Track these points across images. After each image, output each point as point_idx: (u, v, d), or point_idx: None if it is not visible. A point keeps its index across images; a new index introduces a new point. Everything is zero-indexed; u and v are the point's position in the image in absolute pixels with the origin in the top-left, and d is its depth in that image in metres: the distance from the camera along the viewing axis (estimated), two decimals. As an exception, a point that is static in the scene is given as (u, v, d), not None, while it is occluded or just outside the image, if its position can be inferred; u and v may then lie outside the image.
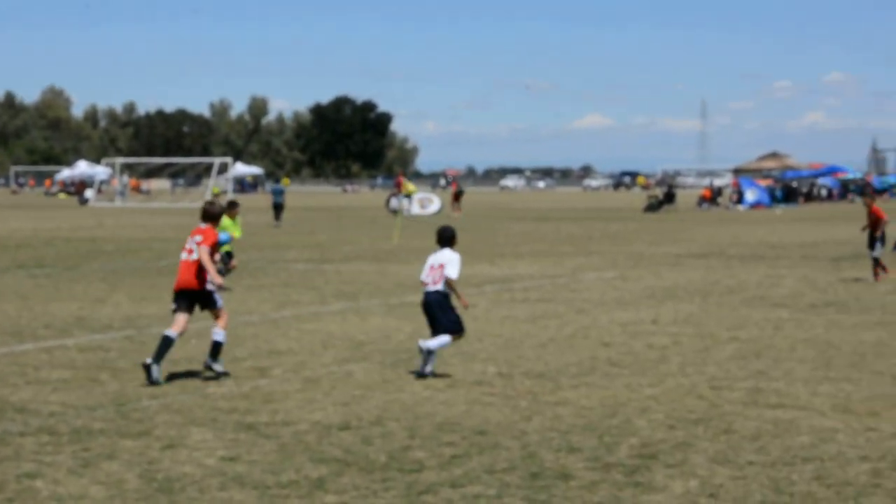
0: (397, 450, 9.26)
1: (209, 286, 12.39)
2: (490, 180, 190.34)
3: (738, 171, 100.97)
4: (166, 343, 12.16)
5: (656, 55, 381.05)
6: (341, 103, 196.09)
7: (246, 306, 19.13)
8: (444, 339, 12.48)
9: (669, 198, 69.93)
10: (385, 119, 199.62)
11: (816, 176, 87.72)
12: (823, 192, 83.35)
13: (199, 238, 12.43)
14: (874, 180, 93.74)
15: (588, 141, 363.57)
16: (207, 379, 12.34)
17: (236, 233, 23.08)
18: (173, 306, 12.47)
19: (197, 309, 12.54)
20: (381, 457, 9.03)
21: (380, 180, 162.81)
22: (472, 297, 20.55)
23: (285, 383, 12.22)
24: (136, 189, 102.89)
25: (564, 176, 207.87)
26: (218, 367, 12.45)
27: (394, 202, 59.21)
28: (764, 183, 79.20)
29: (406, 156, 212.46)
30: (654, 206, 67.19)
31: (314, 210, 69.30)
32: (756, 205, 70.59)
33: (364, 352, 14.35)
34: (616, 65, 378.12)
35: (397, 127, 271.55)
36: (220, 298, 12.58)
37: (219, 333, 12.38)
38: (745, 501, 7.81)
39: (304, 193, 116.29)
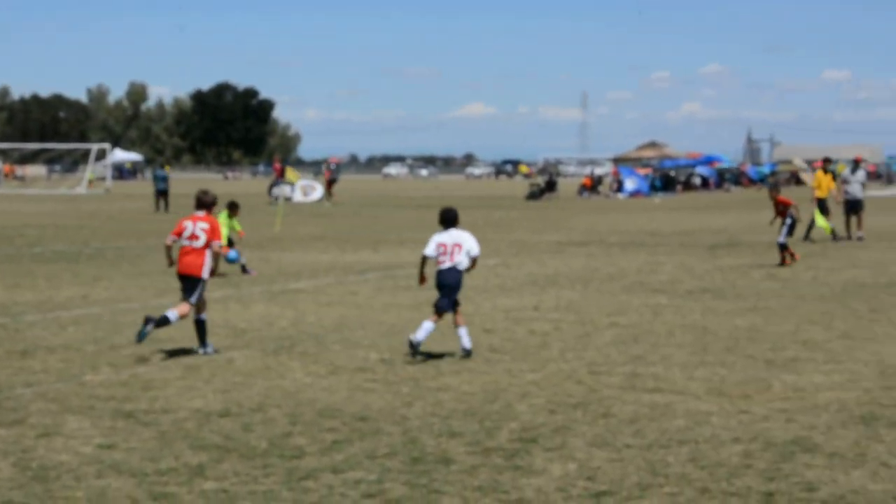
0: (278, 436, 9.22)
1: (204, 275, 13.08)
2: (373, 168, 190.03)
3: (617, 160, 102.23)
4: (164, 321, 12.82)
5: (538, 45, 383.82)
6: (222, 90, 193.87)
7: (126, 294, 18.84)
8: (429, 326, 12.92)
9: (551, 186, 70.56)
10: (267, 106, 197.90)
11: (694, 165, 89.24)
12: (699, 181, 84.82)
13: (205, 226, 13.11)
14: (749, 170, 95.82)
15: (471, 129, 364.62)
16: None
17: (237, 227, 23.18)
18: (182, 286, 13.14)
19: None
20: (261, 443, 8.98)
21: (261, 167, 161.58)
22: (355, 285, 20.55)
23: (165, 371, 12.08)
24: (11, 175, 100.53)
25: (447, 164, 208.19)
26: (147, 329, 12.67)
27: (276, 190, 58.73)
28: (643, 172, 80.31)
29: (288, 143, 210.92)
30: (535, 195, 67.76)
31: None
32: (635, 193, 71.59)
33: (245, 339, 14.25)
34: (499, 54, 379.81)
35: (279, 114, 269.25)
36: (204, 291, 13.15)
37: (172, 314, 12.89)
38: (621, 483, 7.94)
39: (185, 180, 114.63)
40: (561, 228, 38.15)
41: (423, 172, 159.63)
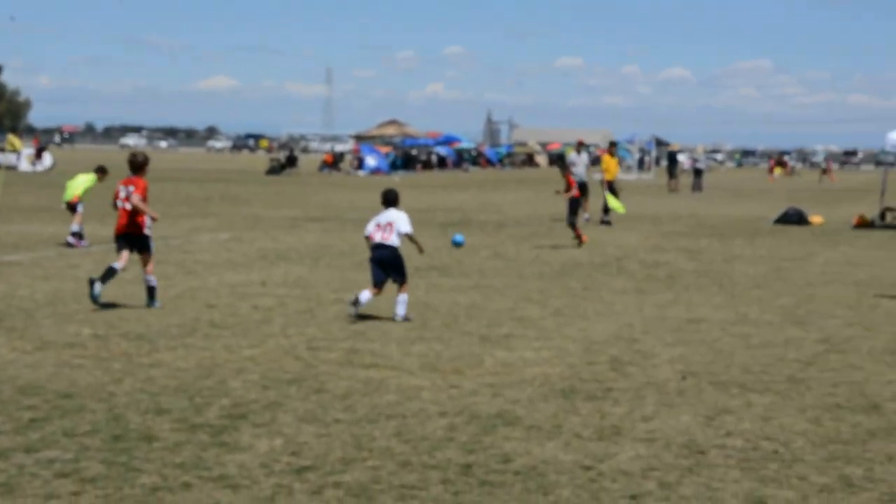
0: (-25, 414, 8.88)
1: (147, 231, 14.48)
2: (111, 139, 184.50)
3: (359, 138, 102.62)
4: (111, 272, 14.37)
5: (285, 19, 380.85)
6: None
7: None
8: (405, 298, 14.09)
9: (291, 161, 70.29)
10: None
11: (434, 145, 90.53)
12: (435, 160, 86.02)
13: (131, 188, 14.38)
14: (487, 151, 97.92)
15: (214, 102, 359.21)
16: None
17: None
18: (116, 246, 14.63)
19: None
20: (-44, 422, 8.63)
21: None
22: (77, 258, 19.95)
23: None
24: None
25: (189, 137, 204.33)
26: (157, 304, 14.44)
27: None
28: (384, 150, 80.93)
29: (18, 109, 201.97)
30: (276, 170, 67.37)
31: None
32: (376, 171, 72.04)
33: (-48, 313, 13.64)
34: (244, 27, 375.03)
35: (7, 79, 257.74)
36: (153, 244, 14.71)
37: (150, 279, 14.44)
38: (325, 458, 8.01)
39: None
40: (298, 204, 38.05)
41: (163, 144, 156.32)
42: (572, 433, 8.80)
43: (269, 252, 21.92)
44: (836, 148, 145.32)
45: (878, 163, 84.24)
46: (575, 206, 24.59)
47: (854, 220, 32.58)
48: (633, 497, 7.29)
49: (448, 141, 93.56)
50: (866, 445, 8.59)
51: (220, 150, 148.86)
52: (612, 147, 34.67)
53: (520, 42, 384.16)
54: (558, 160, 27.18)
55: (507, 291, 16.87)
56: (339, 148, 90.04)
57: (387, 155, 78.10)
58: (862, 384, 10.76)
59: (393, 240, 14.19)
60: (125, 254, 14.52)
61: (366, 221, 14.88)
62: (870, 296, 16.99)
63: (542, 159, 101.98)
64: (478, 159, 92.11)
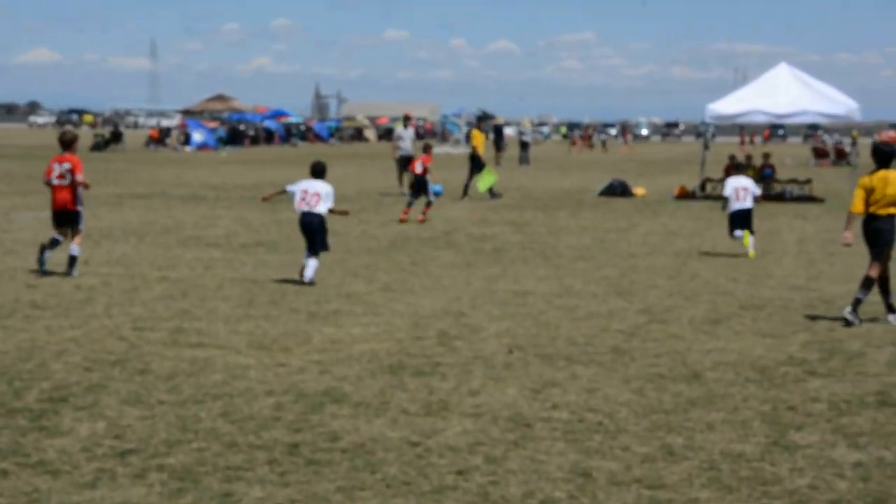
0: None
1: (79, 207, 15.49)
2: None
3: (186, 113, 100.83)
4: (54, 243, 15.47)
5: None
6: None
7: None
8: (315, 262, 15.15)
9: (116, 137, 68.69)
10: None
11: (262, 120, 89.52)
12: (264, 135, 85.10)
13: (68, 166, 15.33)
14: (316, 125, 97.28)
15: (35, 76, 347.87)
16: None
17: None
18: (53, 223, 15.66)
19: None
20: None
21: None
22: None
23: None
24: None
25: (9, 112, 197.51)
26: (75, 272, 15.32)
27: None
28: (211, 125, 79.69)
29: None
30: (100, 146, 65.72)
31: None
32: (203, 146, 70.93)
33: None
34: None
35: None
36: (83, 221, 15.73)
37: (74, 248, 15.39)
38: (149, 441, 7.85)
39: None
40: (123, 181, 37.20)
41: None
42: (400, 409, 8.81)
43: (92, 230, 21.31)
44: (658, 119, 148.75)
45: (699, 134, 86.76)
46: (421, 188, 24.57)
47: (675, 191, 33.44)
48: (459, 472, 7.34)
49: (276, 115, 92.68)
50: (687, 414, 8.83)
51: (42, 126, 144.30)
52: (481, 121, 34.55)
53: (346, 14, 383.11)
54: (425, 147, 27.02)
55: (334, 267, 16.80)
56: (165, 123, 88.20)
57: (214, 130, 76.91)
58: (683, 354, 11.05)
59: (320, 208, 15.24)
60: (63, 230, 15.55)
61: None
62: (690, 266, 17.47)
63: (371, 133, 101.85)
64: (306, 134, 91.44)
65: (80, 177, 15.38)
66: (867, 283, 12.63)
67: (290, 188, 15.64)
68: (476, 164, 31.89)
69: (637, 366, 10.50)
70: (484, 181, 30.42)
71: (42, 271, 15.27)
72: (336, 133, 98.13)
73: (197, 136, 72.24)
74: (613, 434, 8.26)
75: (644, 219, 26.02)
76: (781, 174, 36.70)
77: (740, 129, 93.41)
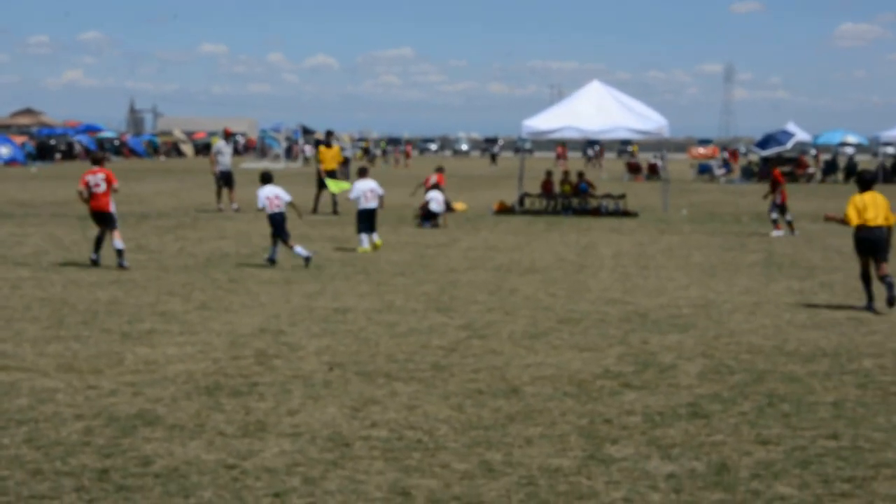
0: None
1: (112, 209, 18.75)
2: None
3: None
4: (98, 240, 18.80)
5: None
6: None
7: None
8: (301, 249, 19.05)
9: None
10: None
11: (74, 134, 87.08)
12: (78, 150, 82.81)
13: (102, 176, 18.80)
14: (131, 140, 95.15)
15: None
16: None
17: None
18: (93, 222, 19.02)
19: None
20: None
21: None
22: None
23: None
24: None
25: None
26: (125, 263, 18.36)
27: None
28: (18, 140, 77.12)
29: None
30: None
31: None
32: (11, 161, 68.63)
33: None
34: None
35: None
36: (117, 220, 18.92)
37: (118, 243, 18.44)
38: (-53, 471, 7.45)
39: None
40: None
41: None
42: (216, 431, 8.59)
43: None
44: (477, 135, 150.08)
45: (517, 150, 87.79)
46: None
47: (495, 206, 33.76)
48: (276, 495, 7.17)
49: (87, 130, 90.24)
50: (506, 430, 8.83)
51: None
52: (329, 137, 33.75)
53: (161, 27, 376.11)
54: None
55: (149, 285, 16.38)
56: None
57: (22, 145, 74.44)
58: (502, 369, 11.08)
59: (282, 206, 19.24)
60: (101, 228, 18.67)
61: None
62: (510, 281, 17.60)
63: (188, 148, 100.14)
64: (121, 149, 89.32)
65: (115, 186, 18.88)
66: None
67: (259, 205, 19.43)
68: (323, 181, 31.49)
69: (457, 381, 10.49)
70: (337, 185, 30.04)
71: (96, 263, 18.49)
72: (152, 148, 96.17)
73: (4, 151, 69.78)
74: (433, 451, 8.21)
75: (464, 234, 26.16)
76: (598, 188, 37.48)
77: (558, 144, 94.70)
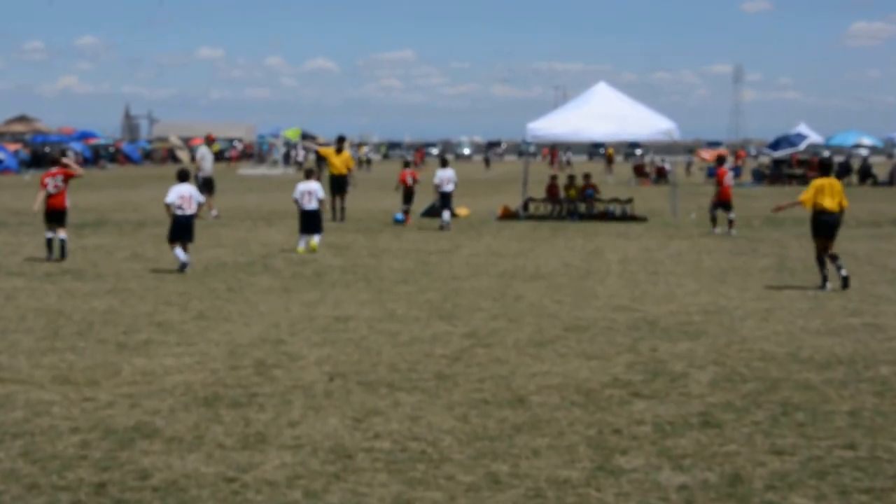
0: None
1: (67, 206, 20.44)
2: None
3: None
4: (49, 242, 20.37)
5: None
6: None
7: None
8: (179, 252, 19.00)
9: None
10: None
11: (68, 141, 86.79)
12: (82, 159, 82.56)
13: (61, 177, 20.49)
14: (126, 147, 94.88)
15: None
16: None
17: None
18: (47, 222, 20.44)
19: None
20: None
21: None
22: None
23: None
24: None
25: None
26: (66, 254, 20.17)
27: None
28: (12, 147, 76.89)
29: None
30: None
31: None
32: (5, 169, 68.40)
33: None
34: None
35: None
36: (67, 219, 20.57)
37: (64, 235, 20.21)
38: (-61, 487, 7.24)
39: None
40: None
41: None
42: (215, 443, 8.37)
43: None
44: (480, 138, 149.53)
45: (521, 153, 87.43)
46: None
47: (499, 212, 33.50)
48: (279, 509, 6.96)
49: (83, 137, 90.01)
50: (512, 440, 8.62)
51: None
52: (340, 142, 33.26)
53: (158, 31, 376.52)
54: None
55: (146, 295, 16.16)
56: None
57: (16, 153, 74.19)
58: (508, 378, 10.87)
59: (193, 207, 19.26)
60: (55, 226, 20.29)
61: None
62: (514, 287, 17.38)
63: (184, 154, 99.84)
64: (116, 156, 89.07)
65: (65, 182, 20.61)
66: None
67: (167, 200, 19.10)
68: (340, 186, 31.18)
69: (461, 391, 10.27)
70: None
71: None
72: (147, 155, 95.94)
73: (-1, 159, 69.53)
74: (437, 463, 8.00)
75: (467, 240, 25.93)
76: (604, 193, 37.22)
77: (544, 147, 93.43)
